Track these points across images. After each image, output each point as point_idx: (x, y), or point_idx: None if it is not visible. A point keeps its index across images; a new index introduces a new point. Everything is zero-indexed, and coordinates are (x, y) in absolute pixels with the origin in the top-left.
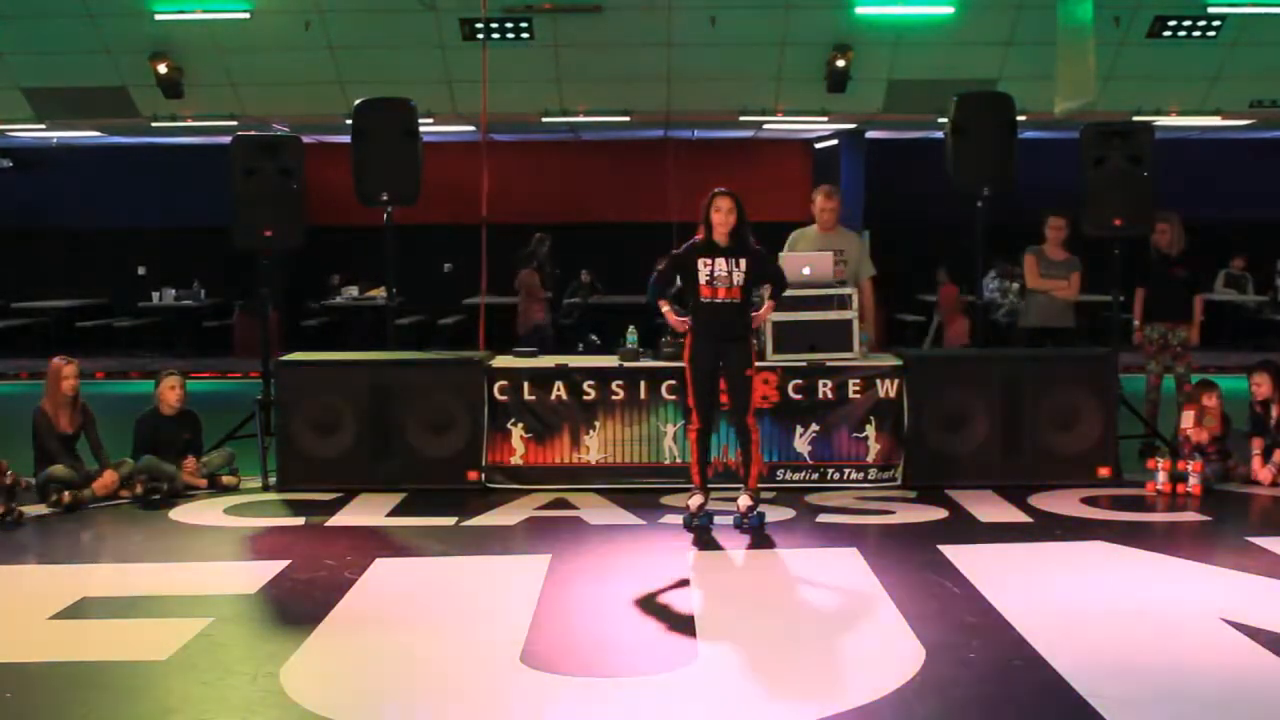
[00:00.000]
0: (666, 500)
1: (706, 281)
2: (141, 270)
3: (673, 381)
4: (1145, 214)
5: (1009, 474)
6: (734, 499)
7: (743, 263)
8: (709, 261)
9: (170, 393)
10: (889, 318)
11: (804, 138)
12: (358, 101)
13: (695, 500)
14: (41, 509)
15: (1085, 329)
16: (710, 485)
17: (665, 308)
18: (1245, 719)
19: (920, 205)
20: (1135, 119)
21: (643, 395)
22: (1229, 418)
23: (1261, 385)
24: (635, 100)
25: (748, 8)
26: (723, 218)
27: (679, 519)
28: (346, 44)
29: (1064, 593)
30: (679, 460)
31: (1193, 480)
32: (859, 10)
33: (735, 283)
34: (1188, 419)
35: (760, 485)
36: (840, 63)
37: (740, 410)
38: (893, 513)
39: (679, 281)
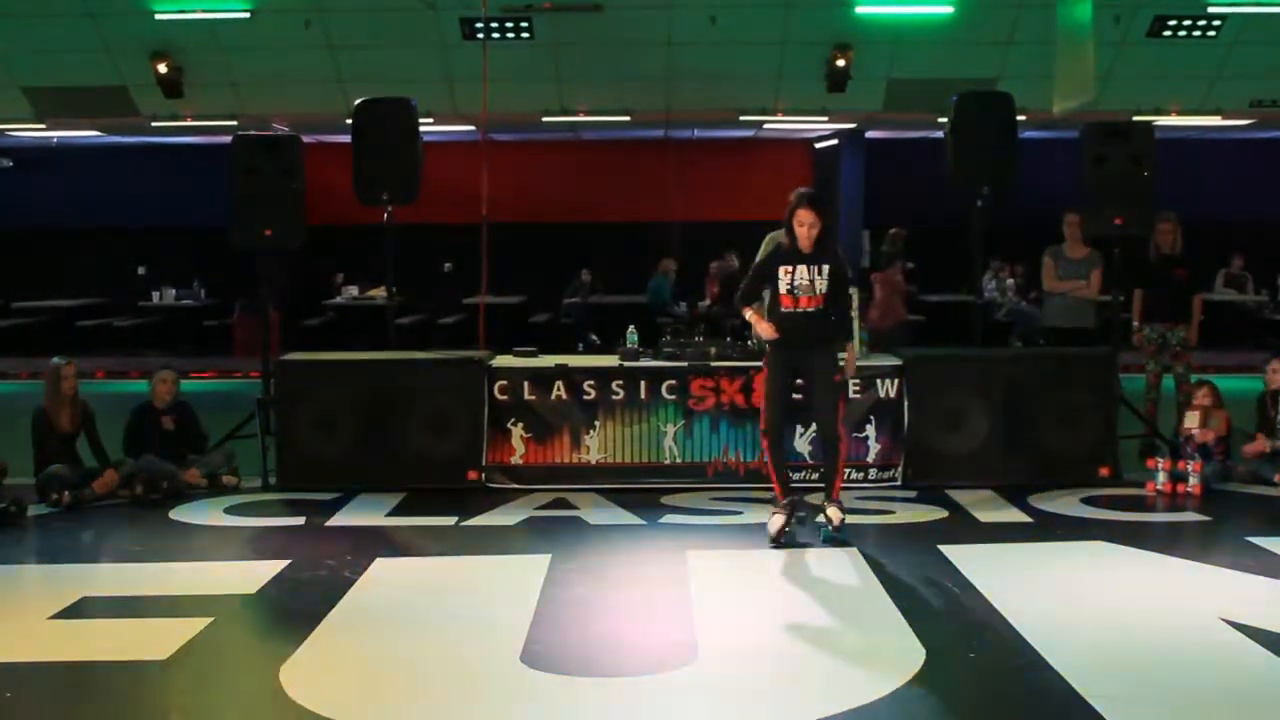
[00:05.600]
0: (666, 500)
1: (787, 290)
2: (141, 270)
3: (673, 381)
4: (1145, 214)
5: (1009, 474)
6: (736, 498)
7: (825, 269)
8: (790, 269)
9: (161, 385)
10: None
11: (804, 137)
12: (358, 101)
13: (777, 522)
14: (41, 508)
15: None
16: (710, 485)
17: (749, 313)
18: (1245, 719)
19: (920, 205)
20: (1135, 119)
21: (643, 395)
22: (1228, 416)
23: (1278, 372)
24: (635, 100)
25: (748, 7)
26: (806, 231)
27: (679, 519)
28: (346, 44)
29: (1064, 593)
30: (679, 460)
31: (1192, 480)
32: (859, 10)
33: (818, 290)
34: (1192, 419)
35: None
36: (840, 62)
37: (826, 418)
38: (893, 513)
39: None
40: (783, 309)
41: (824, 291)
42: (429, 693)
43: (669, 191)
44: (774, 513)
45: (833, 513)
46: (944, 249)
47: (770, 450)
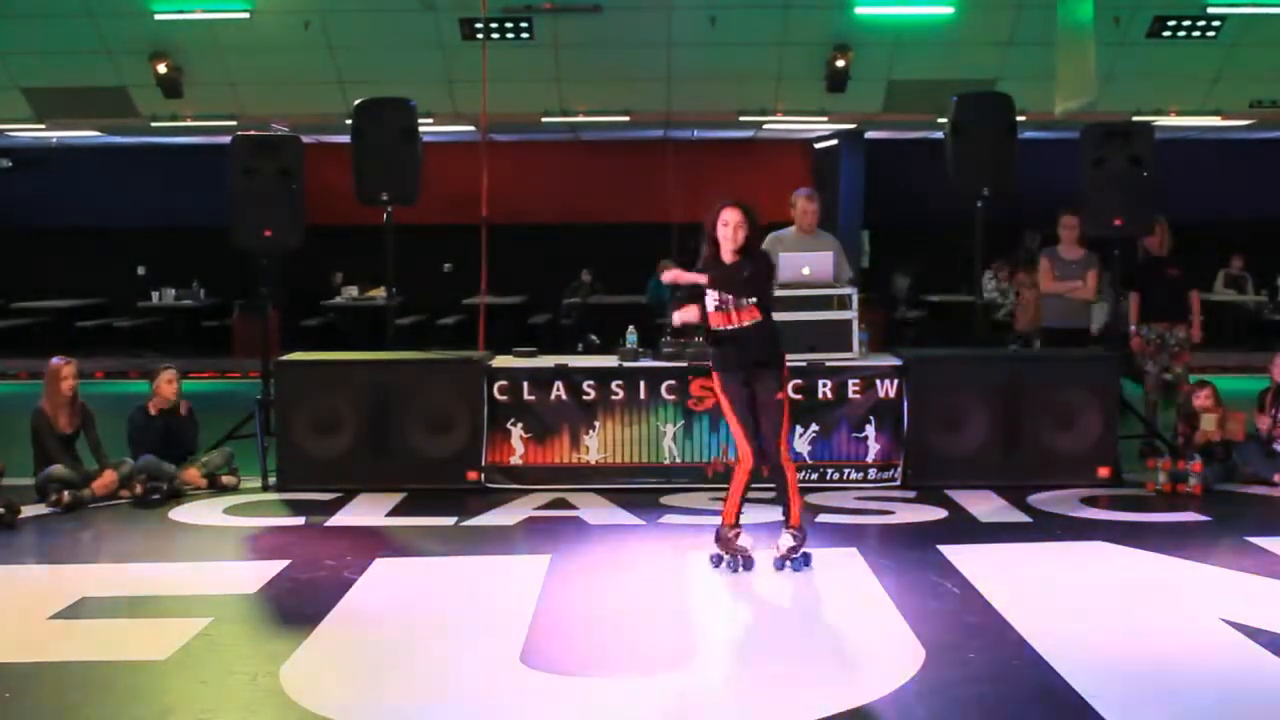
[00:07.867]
0: (666, 500)
1: (716, 307)
2: (141, 270)
3: (672, 381)
4: (1145, 214)
5: (1009, 474)
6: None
7: (748, 273)
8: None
9: (168, 386)
10: (889, 318)
11: (804, 138)
12: (358, 101)
13: (747, 540)
14: (41, 509)
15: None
16: (710, 485)
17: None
18: (1245, 719)
19: (920, 205)
20: (1135, 119)
21: (642, 395)
22: (1244, 417)
23: None
24: (635, 100)
25: (747, 8)
26: (731, 232)
27: (679, 519)
28: (346, 44)
29: (1064, 593)
30: (678, 460)
31: (1193, 480)
32: (859, 10)
33: (747, 302)
34: (1209, 423)
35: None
36: (840, 63)
37: (771, 442)
38: (893, 513)
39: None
40: (714, 328)
41: (755, 301)
42: (429, 693)
43: (668, 192)
44: (735, 537)
45: (783, 540)
46: (944, 249)
47: (744, 483)
